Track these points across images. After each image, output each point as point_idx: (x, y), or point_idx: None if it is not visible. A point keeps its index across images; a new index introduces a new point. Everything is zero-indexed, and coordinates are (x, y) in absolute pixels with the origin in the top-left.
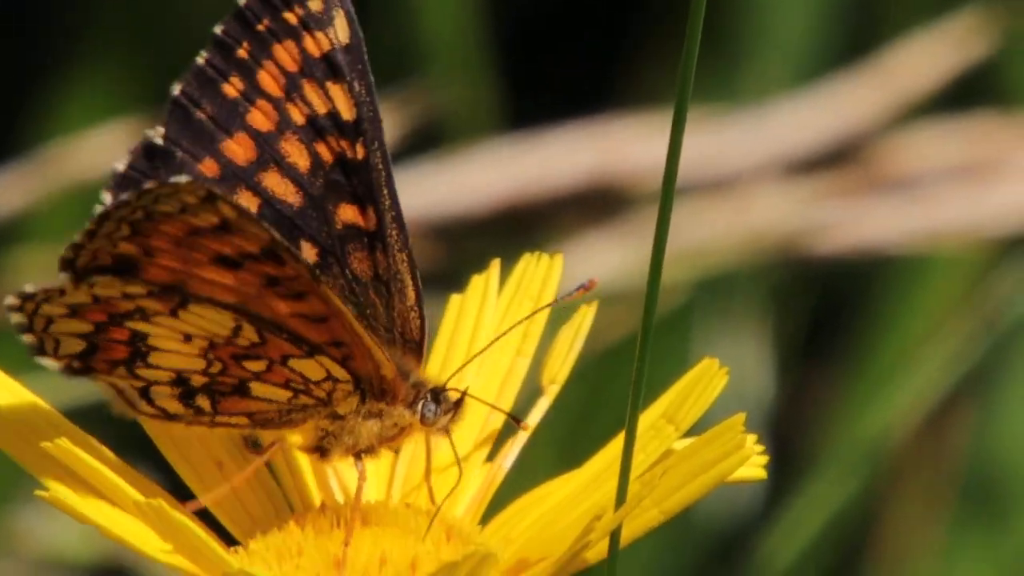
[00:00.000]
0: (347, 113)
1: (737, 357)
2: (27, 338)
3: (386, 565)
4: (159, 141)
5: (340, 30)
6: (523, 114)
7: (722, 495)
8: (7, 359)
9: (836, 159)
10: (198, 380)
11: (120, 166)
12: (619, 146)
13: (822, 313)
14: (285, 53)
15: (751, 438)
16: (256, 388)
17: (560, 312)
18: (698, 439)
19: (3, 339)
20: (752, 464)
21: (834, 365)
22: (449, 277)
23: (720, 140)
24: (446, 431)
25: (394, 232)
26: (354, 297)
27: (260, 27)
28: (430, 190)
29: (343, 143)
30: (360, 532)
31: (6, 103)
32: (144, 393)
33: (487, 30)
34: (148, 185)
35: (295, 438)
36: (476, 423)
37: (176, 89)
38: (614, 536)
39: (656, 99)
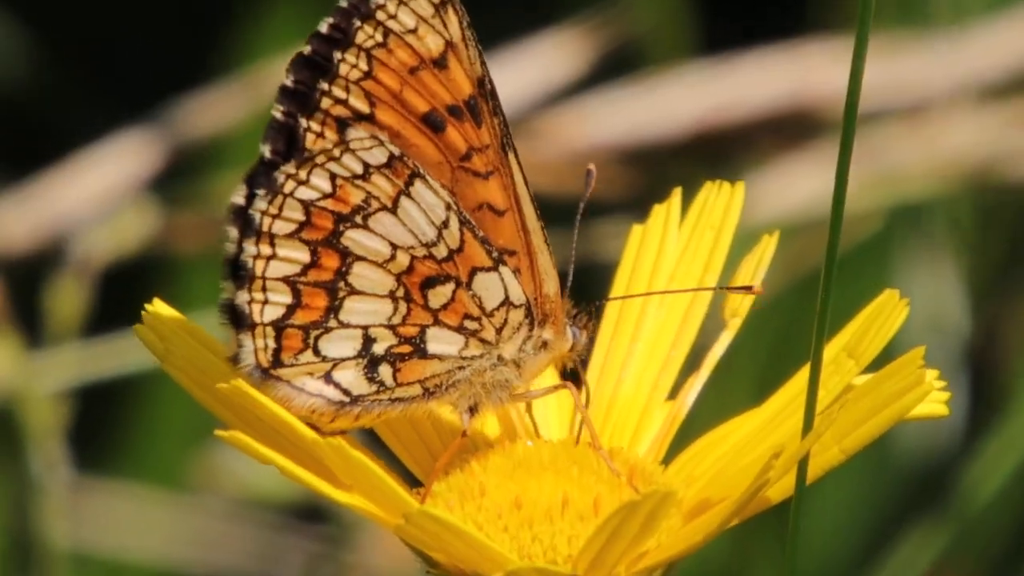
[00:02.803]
0: None
1: (934, 285)
2: (241, 296)
3: (568, 506)
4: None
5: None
6: (718, 37)
7: (920, 431)
8: (176, 298)
9: None
10: (381, 340)
11: (287, 81)
12: (815, 70)
13: (1019, 241)
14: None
15: (931, 373)
16: (432, 339)
17: (743, 241)
18: (876, 375)
19: (178, 276)
20: (934, 400)
21: None
22: (644, 202)
23: (915, 65)
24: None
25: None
26: None
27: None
28: (625, 115)
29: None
30: (542, 473)
31: (208, 26)
32: (329, 378)
33: None
34: None
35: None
36: (657, 360)
37: None
38: (800, 473)
39: (853, 22)
